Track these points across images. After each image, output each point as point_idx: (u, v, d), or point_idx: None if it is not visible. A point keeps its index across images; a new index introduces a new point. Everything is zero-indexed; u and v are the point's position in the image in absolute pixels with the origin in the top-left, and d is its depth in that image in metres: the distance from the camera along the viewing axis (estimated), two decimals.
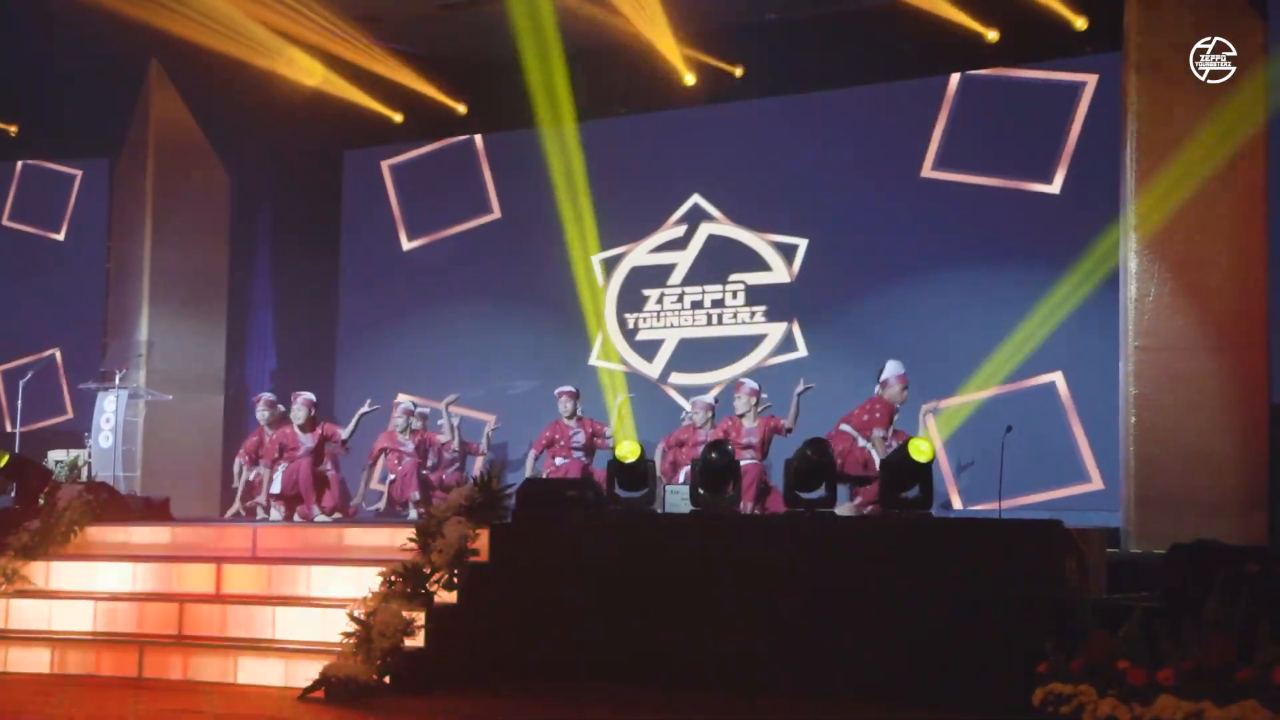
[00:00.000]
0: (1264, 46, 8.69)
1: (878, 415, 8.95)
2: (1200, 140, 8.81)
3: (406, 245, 13.39)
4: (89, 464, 10.99)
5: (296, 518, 10.29)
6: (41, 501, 8.92)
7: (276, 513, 10.42)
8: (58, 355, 13.52)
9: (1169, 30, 8.92)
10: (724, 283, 11.99)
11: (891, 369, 9.16)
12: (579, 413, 10.71)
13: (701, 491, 7.71)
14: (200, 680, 7.33)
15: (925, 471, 7.32)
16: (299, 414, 10.42)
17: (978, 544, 6.70)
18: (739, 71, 11.74)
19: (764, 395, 9.98)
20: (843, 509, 8.14)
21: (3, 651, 7.86)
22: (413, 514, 10.18)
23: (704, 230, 12.12)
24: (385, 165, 13.53)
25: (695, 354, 12.00)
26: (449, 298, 13.10)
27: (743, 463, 9.13)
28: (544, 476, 10.20)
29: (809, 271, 11.63)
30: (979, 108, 11.06)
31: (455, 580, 7.31)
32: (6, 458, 9.36)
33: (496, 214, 13.00)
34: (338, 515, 10.48)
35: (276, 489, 10.32)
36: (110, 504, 9.12)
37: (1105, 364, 9.64)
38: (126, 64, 12.35)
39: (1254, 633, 5.19)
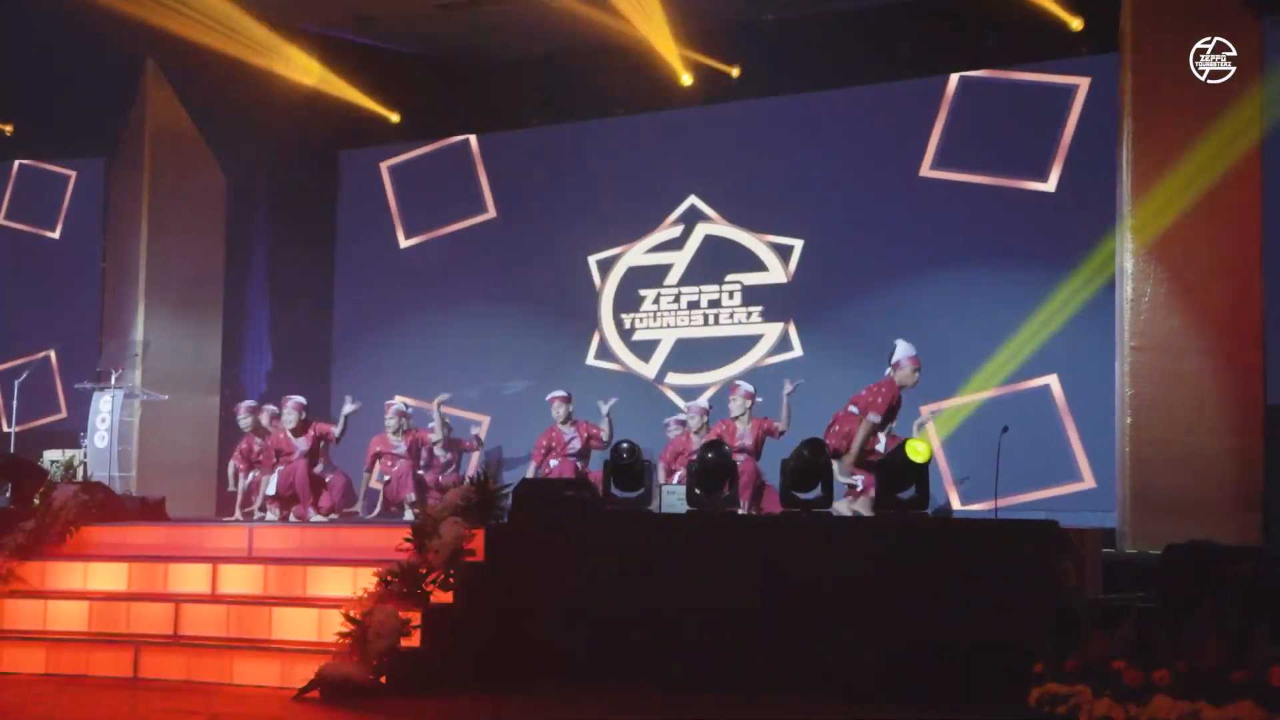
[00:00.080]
0: (1260, 48, 8.71)
1: (879, 400, 8.73)
2: (1197, 141, 8.82)
3: (404, 243, 13.37)
4: (84, 464, 10.97)
5: (292, 518, 10.29)
6: (37, 501, 8.91)
7: (272, 514, 10.42)
8: (52, 356, 13.49)
9: (1166, 31, 8.94)
10: (720, 283, 11.99)
11: (902, 350, 8.86)
12: (572, 415, 10.71)
13: (698, 492, 7.71)
14: (196, 680, 7.33)
15: (921, 472, 7.32)
16: (290, 418, 10.42)
17: (974, 544, 6.70)
18: (735, 71, 11.74)
19: (759, 399, 9.99)
20: (838, 505, 8.12)
21: None
22: (409, 515, 10.18)
23: (700, 230, 12.12)
24: (385, 167, 13.51)
25: (692, 354, 12.00)
26: (445, 298, 13.09)
27: (738, 460, 9.14)
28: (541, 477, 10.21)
29: (805, 272, 11.64)
30: (975, 108, 11.06)
31: (451, 580, 7.31)
32: None
33: (492, 214, 12.99)
34: (334, 516, 10.48)
35: (272, 490, 10.33)
36: (106, 504, 9.11)
37: (1100, 364, 9.65)
38: (122, 64, 12.33)
39: (1249, 633, 5.20)
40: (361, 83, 12.75)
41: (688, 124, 12.26)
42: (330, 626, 7.11)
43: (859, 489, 8.61)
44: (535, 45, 12.17)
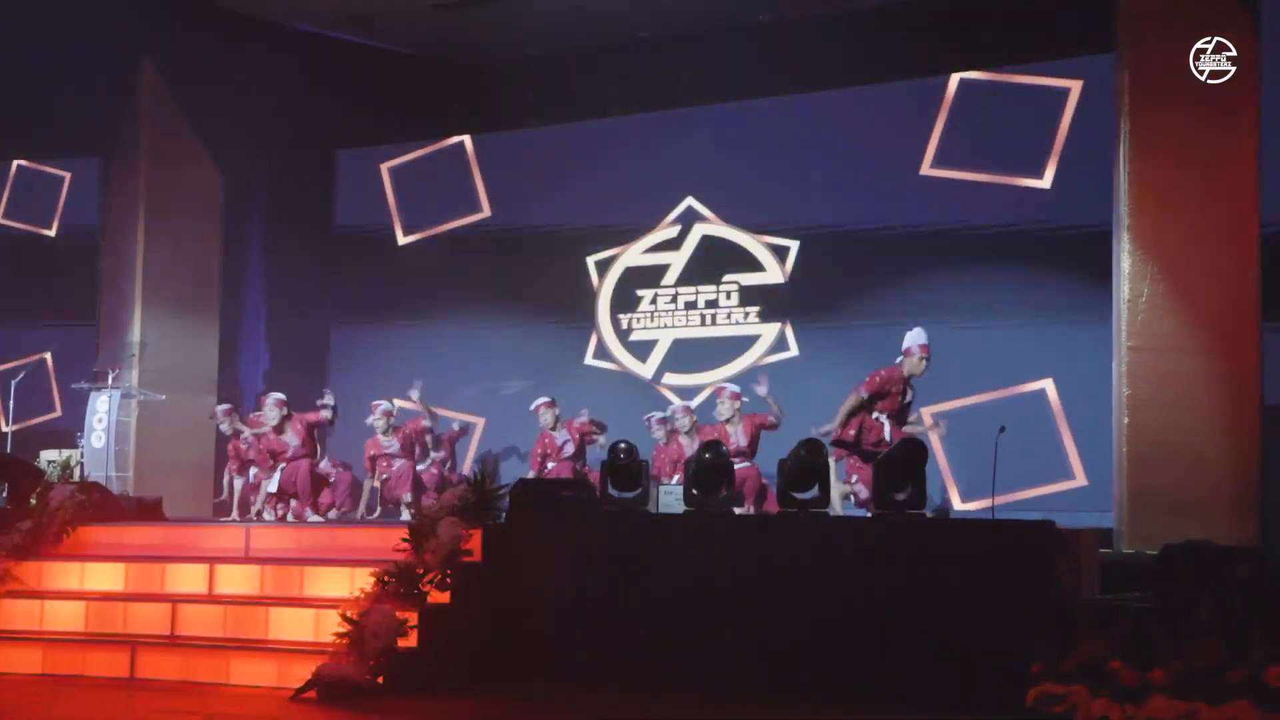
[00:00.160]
0: (1256, 48, 8.72)
1: (874, 380, 8.55)
2: (1192, 141, 8.83)
3: (402, 240, 13.37)
4: (81, 464, 10.96)
5: (291, 518, 10.28)
6: (33, 501, 8.89)
7: (270, 514, 10.40)
8: (48, 356, 13.47)
9: (1163, 32, 8.95)
10: (718, 283, 12.00)
11: (911, 337, 8.62)
12: (560, 419, 10.68)
13: (695, 492, 7.71)
14: (193, 681, 7.30)
15: (919, 472, 7.32)
16: (271, 415, 10.40)
17: (971, 545, 6.70)
18: None
19: (745, 399, 9.98)
20: (834, 499, 8.12)
21: None
22: (405, 515, 10.17)
23: (698, 231, 12.12)
24: (384, 168, 13.51)
25: (689, 355, 12.01)
26: (443, 298, 13.09)
27: (737, 466, 9.13)
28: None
29: (802, 272, 11.65)
30: (973, 108, 11.07)
31: (448, 581, 7.31)
32: None
33: (490, 214, 12.99)
34: (334, 513, 10.47)
35: (274, 488, 10.32)
36: (103, 504, 9.09)
37: (1095, 365, 9.66)
38: (119, 63, 12.32)
39: (1246, 633, 5.21)
40: (358, 82, 12.75)
41: (685, 124, 12.27)
42: (327, 627, 7.10)
43: (855, 484, 8.59)
44: (532, 45, 12.17)
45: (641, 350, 12.24)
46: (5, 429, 12.11)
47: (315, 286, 13.62)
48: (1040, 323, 10.54)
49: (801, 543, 7.08)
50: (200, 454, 12.23)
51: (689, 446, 9.86)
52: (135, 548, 8.57)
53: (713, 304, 12.00)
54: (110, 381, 11.21)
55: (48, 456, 11.13)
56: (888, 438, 8.45)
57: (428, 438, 11.16)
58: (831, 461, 8.54)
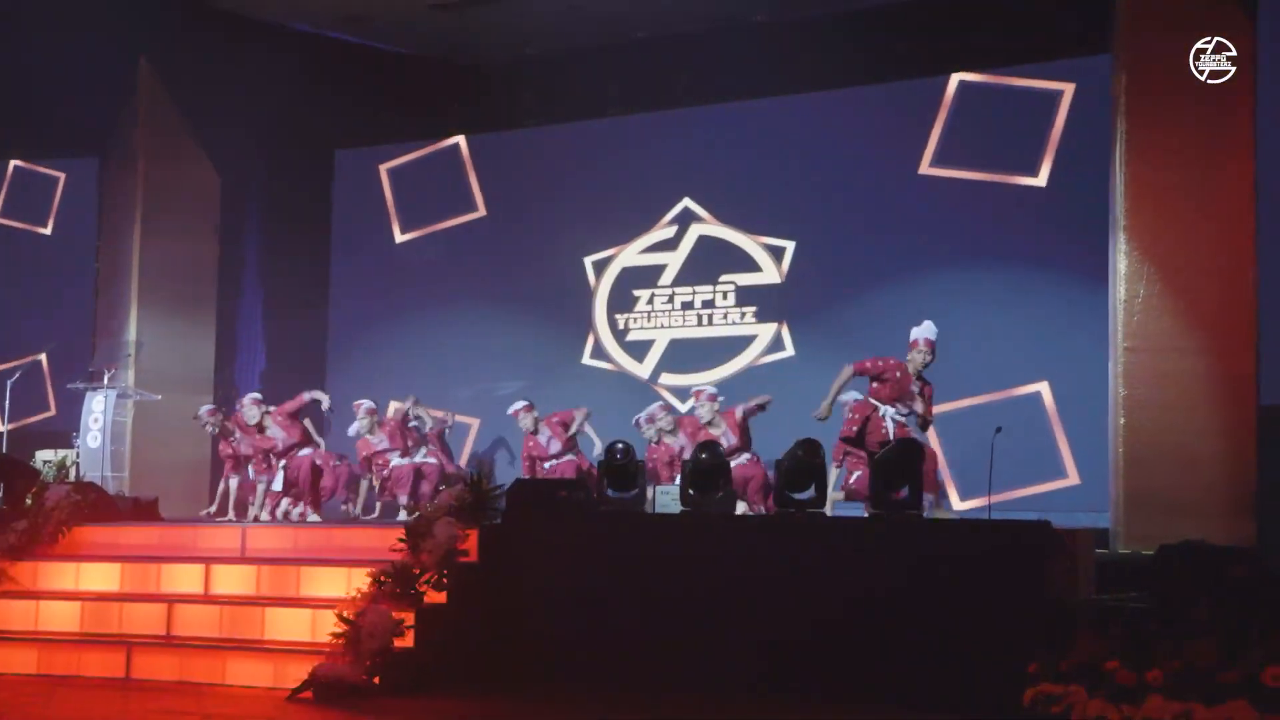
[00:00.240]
0: (1253, 48, 8.72)
1: (869, 361, 8.42)
2: (1189, 141, 8.84)
3: (399, 238, 13.36)
4: (77, 464, 10.95)
5: (295, 515, 10.26)
6: (29, 501, 8.88)
7: (267, 514, 10.38)
8: (43, 358, 13.44)
9: (1159, 32, 8.96)
10: (714, 284, 12.00)
11: (917, 331, 8.44)
12: (539, 418, 10.60)
13: (691, 492, 7.71)
14: (188, 681, 7.30)
15: (916, 472, 7.32)
16: (251, 414, 10.37)
17: (968, 545, 6.70)
18: None
19: (721, 397, 9.96)
20: (833, 496, 8.12)
21: None
22: (403, 515, 10.15)
23: (694, 231, 12.13)
24: (383, 169, 13.49)
25: (685, 355, 12.00)
26: (440, 298, 13.08)
27: (734, 462, 9.14)
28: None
29: (799, 273, 11.65)
30: (970, 108, 11.07)
31: (444, 581, 7.31)
32: None
33: (487, 214, 12.99)
34: (341, 503, 10.43)
35: (279, 486, 10.31)
36: (98, 504, 9.08)
37: (1091, 366, 9.66)
38: (116, 62, 12.31)
39: (1242, 633, 5.21)
40: (355, 83, 12.74)
41: (682, 125, 12.27)
42: (323, 627, 7.09)
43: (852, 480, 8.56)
44: (529, 45, 12.17)
45: (638, 350, 12.24)
46: (1, 429, 12.09)
47: (312, 287, 13.60)
48: (1036, 324, 10.55)
49: (798, 543, 7.08)
50: (196, 454, 12.21)
51: (676, 444, 9.83)
52: (131, 548, 8.57)
53: (709, 304, 12.00)
54: (106, 381, 11.20)
55: (43, 456, 11.11)
56: (891, 437, 8.42)
57: (412, 422, 11.06)
58: (834, 470, 8.55)
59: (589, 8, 11.26)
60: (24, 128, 13.42)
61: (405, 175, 13.48)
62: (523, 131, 12.91)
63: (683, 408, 10.91)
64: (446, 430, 11.41)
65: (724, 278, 11.95)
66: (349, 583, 7.41)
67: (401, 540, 7.47)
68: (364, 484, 10.99)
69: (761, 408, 9.77)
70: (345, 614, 6.99)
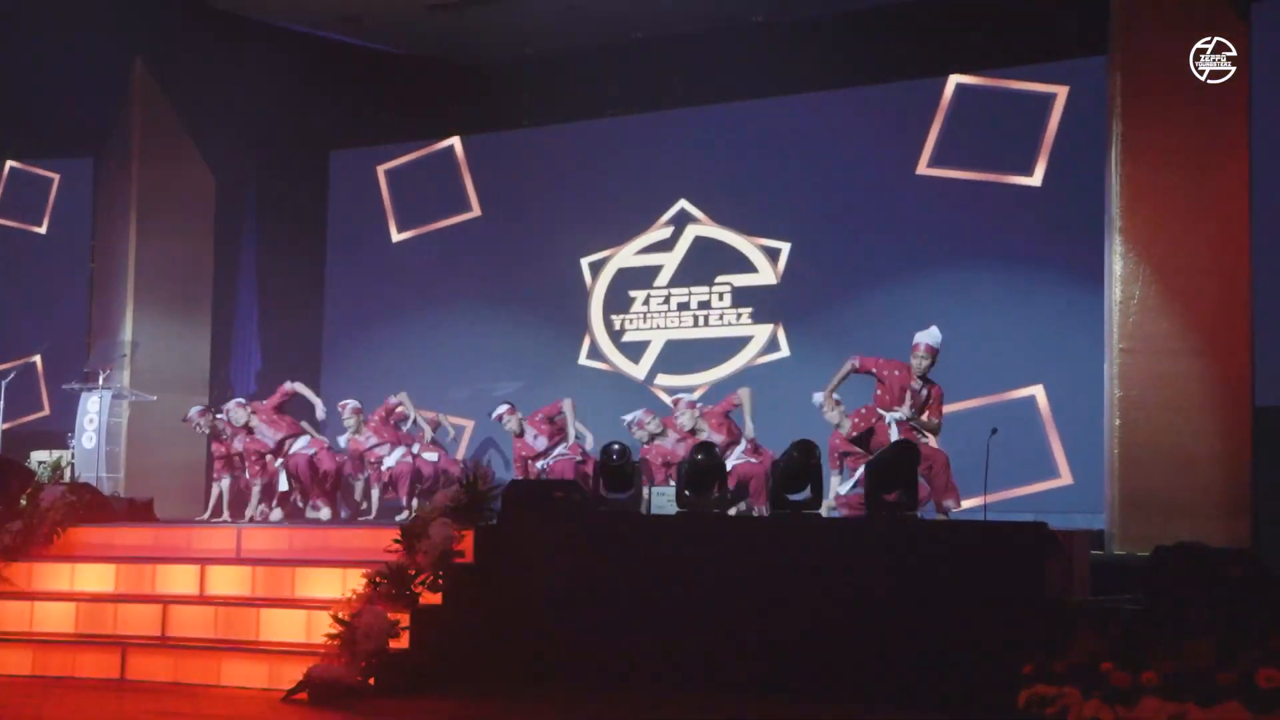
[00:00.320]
0: (1247, 49, 8.73)
1: (871, 359, 8.40)
2: (1184, 143, 8.85)
3: (396, 238, 13.35)
4: (72, 465, 10.93)
5: (310, 513, 10.26)
6: (24, 502, 8.87)
7: (277, 514, 10.37)
8: (38, 360, 13.42)
9: (1154, 33, 8.97)
10: (710, 284, 12.00)
11: (919, 335, 8.34)
12: (522, 418, 10.58)
13: (687, 493, 7.71)
14: (183, 682, 7.30)
15: (911, 475, 7.32)
16: (238, 416, 10.36)
17: (963, 546, 6.71)
18: None
19: (700, 403, 9.97)
20: (827, 504, 8.11)
21: None
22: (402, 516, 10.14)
23: (691, 232, 12.12)
24: (380, 170, 13.48)
25: (681, 356, 12.00)
26: (436, 299, 13.07)
27: (737, 463, 9.15)
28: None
29: (794, 273, 11.65)
30: (965, 111, 11.07)
31: (440, 582, 7.31)
32: None
33: (483, 215, 12.97)
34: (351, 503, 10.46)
35: (285, 486, 10.32)
36: (93, 505, 9.08)
37: (1086, 366, 9.66)
38: (112, 63, 12.30)
39: (1237, 635, 5.22)
40: (351, 83, 12.73)
41: (678, 125, 12.27)
42: (319, 628, 7.08)
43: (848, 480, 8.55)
44: (526, 46, 12.17)
45: (634, 351, 12.23)
46: None
47: (308, 287, 13.58)
48: (1032, 325, 10.54)
49: (794, 544, 7.09)
50: (192, 455, 12.19)
51: (668, 444, 9.82)
52: (126, 549, 8.57)
53: (705, 305, 12.00)
54: (101, 382, 11.17)
55: (38, 457, 11.10)
56: (894, 435, 8.41)
57: (406, 425, 11.02)
58: (834, 476, 8.55)
59: (586, 8, 11.25)
60: (20, 128, 13.41)
61: (402, 176, 13.46)
62: (519, 132, 12.90)
63: (670, 402, 10.84)
64: (434, 432, 11.39)
65: (720, 279, 11.95)
66: (344, 584, 7.41)
67: (397, 541, 7.47)
68: (359, 485, 10.98)
69: (736, 401, 9.79)
70: (340, 615, 6.98)
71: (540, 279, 12.60)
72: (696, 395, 10.97)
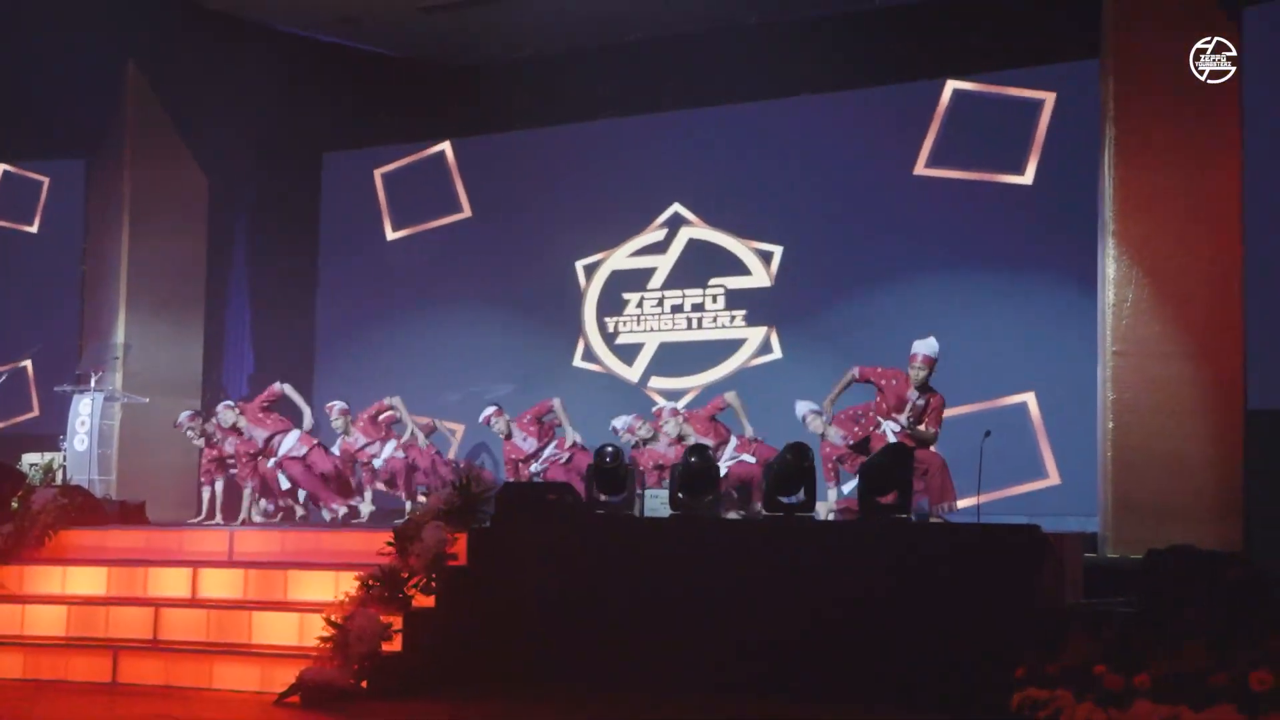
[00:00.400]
0: (1239, 49, 8.75)
1: (871, 368, 8.43)
2: (1177, 145, 8.86)
3: (389, 239, 13.33)
4: (64, 467, 10.89)
5: (325, 513, 10.24)
6: (15, 505, 8.85)
7: (257, 515, 10.35)
8: (28, 364, 13.37)
9: (1147, 36, 8.98)
10: (704, 287, 12.00)
11: (917, 344, 8.31)
12: (510, 420, 10.56)
13: (681, 496, 7.70)
14: (175, 685, 7.27)
15: (904, 477, 7.32)
16: (226, 418, 10.34)
17: (956, 549, 6.71)
18: None
19: (681, 411, 10.00)
20: (821, 507, 8.11)
21: None
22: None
23: (684, 234, 12.13)
24: (377, 173, 13.46)
25: (675, 358, 12.00)
26: (430, 301, 13.06)
27: (735, 463, 9.16)
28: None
29: (788, 276, 11.66)
30: (959, 115, 11.08)
31: (433, 585, 7.29)
32: None
33: (477, 217, 12.97)
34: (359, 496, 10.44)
35: (285, 485, 10.30)
36: (85, 507, 9.06)
37: (1079, 369, 9.67)
38: (104, 64, 12.27)
39: (1229, 638, 5.22)
40: (345, 85, 12.71)
41: (672, 128, 12.27)
42: (311, 631, 7.07)
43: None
44: (521, 48, 12.16)
45: (628, 353, 12.23)
46: None
47: (301, 290, 13.57)
48: (1026, 328, 10.56)
49: (787, 546, 7.09)
50: (184, 458, 12.14)
51: (660, 447, 9.81)
52: (118, 551, 8.55)
53: (699, 307, 12.00)
54: (93, 384, 11.14)
55: (30, 459, 11.05)
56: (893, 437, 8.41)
57: (388, 411, 10.98)
58: (831, 487, 8.55)
59: (581, 10, 11.25)
60: (12, 130, 13.37)
61: (396, 178, 13.45)
62: (514, 134, 12.90)
63: (654, 414, 10.83)
64: (428, 437, 11.38)
65: (713, 281, 11.96)
66: (337, 586, 7.40)
67: (390, 544, 7.46)
68: (356, 482, 10.96)
69: (724, 402, 9.80)
70: (333, 618, 6.97)
71: (535, 281, 12.60)
72: (681, 404, 10.99)
